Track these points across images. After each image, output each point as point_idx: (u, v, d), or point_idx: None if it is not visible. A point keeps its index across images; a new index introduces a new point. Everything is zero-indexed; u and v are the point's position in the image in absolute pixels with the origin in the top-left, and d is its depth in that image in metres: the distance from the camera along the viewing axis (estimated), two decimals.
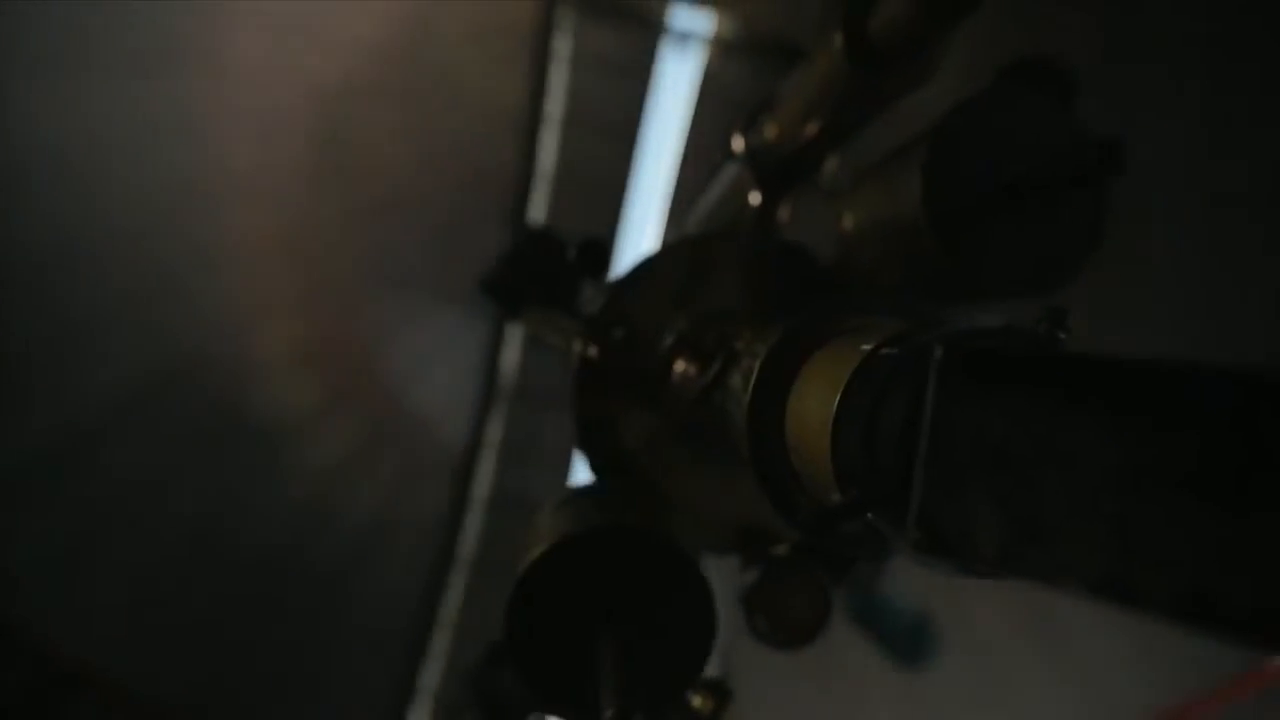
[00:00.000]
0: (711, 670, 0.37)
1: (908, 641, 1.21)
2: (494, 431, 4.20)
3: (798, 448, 0.24)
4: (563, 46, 3.30)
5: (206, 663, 2.37)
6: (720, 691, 0.38)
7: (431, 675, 3.90)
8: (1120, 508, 0.14)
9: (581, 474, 0.50)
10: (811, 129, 0.48)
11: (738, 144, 0.56)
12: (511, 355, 4.03)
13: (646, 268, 0.48)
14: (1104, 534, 0.15)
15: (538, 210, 3.69)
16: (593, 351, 0.44)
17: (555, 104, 3.40)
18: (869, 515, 0.20)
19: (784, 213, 0.56)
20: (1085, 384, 0.16)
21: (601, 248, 0.46)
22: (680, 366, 0.45)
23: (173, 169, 2.00)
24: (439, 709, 3.75)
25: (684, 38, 3.30)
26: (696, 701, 0.37)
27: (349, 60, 2.49)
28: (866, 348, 0.21)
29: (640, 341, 0.45)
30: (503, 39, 3.01)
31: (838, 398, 0.21)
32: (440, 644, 3.92)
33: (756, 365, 0.27)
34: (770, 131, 0.53)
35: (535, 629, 0.35)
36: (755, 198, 0.55)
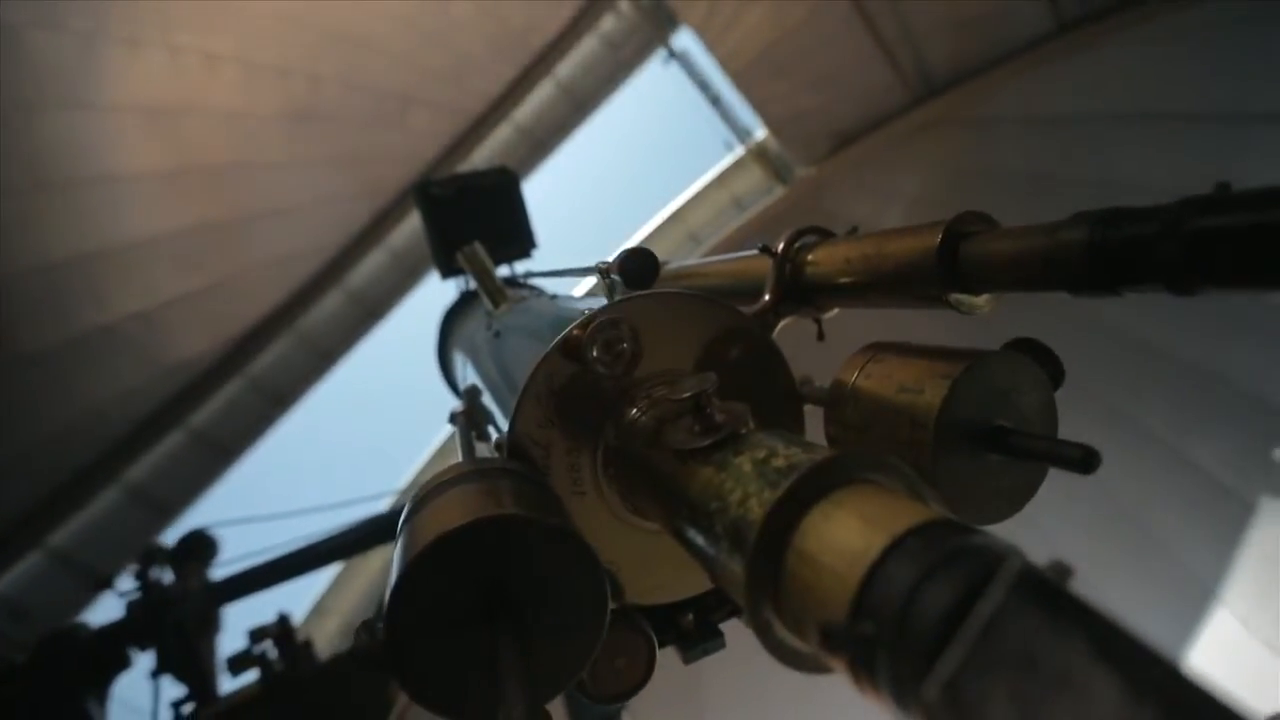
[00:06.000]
0: None
1: None
2: (308, 320, 3.75)
3: (813, 559, 0.27)
4: (606, 22, 3.26)
5: None
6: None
7: (65, 535, 3.17)
8: None
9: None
10: (849, 279, 0.54)
11: (779, 245, 0.61)
12: (376, 259, 3.68)
13: (667, 302, 0.49)
14: None
15: (489, 147, 3.50)
16: (595, 351, 0.44)
17: (567, 66, 3.31)
18: (873, 648, 0.23)
19: (781, 325, 0.61)
20: (1116, 649, 0.20)
21: (650, 260, 0.46)
22: (650, 408, 0.46)
23: None
24: (57, 569, 3.03)
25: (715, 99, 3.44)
26: None
27: None
28: (930, 516, 0.25)
29: (636, 366, 0.45)
30: None
31: (887, 541, 0.25)
32: (105, 502, 3.22)
33: (801, 466, 0.29)
34: (813, 253, 0.58)
35: (423, 616, 0.32)
36: (767, 298, 0.59)
